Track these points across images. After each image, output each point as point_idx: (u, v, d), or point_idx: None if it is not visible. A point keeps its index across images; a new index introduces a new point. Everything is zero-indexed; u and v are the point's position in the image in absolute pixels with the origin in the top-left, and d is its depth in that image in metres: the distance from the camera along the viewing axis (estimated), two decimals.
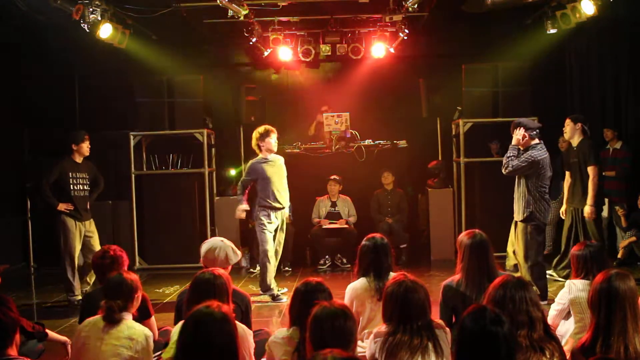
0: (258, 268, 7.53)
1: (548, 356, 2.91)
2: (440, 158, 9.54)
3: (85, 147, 7.04)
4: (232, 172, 9.48)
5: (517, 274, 5.31)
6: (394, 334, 3.12)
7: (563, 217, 7.28)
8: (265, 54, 9.00)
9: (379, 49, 8.98)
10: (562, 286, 4.20)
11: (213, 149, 9.54)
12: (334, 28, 8.87)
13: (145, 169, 9.06)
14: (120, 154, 8.95)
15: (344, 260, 8.62)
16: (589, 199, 6.79)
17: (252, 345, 3.57)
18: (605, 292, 3.07)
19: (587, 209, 6.79)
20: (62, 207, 6.87)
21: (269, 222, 6.79)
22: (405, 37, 8.49)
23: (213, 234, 8.67)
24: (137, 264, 8.86)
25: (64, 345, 4.20)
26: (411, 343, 3.08)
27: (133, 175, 8.93)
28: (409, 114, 9.65)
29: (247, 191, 6.92)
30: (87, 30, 7.36)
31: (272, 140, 6.87)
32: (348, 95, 9.74)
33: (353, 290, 4.30)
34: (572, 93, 9.39)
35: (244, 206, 6.89)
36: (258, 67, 9.68)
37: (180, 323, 3.01)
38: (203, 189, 8.96)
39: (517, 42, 8.85)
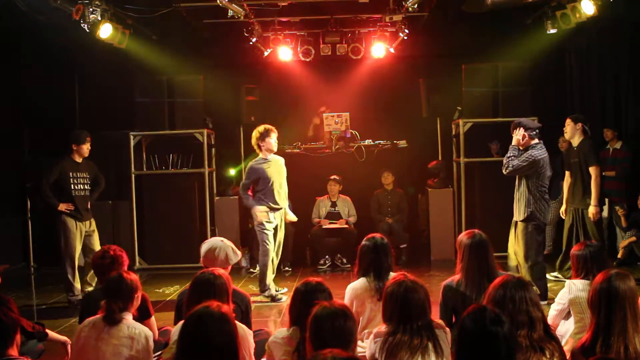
0: (258, 268, 7.52)
1: (548, 356, 2.91)
2: (440, 158, 9.55)
3: (86, 148, 7.03)
4: (232, 172, 9.48)
5: (518, 274, 5.31)
6: (394, 334, 3.12)
7: (563, 217, 7.28)
8: (265, 54, 9.00)
9: (379, 49, 8.98)
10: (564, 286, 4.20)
11: (213, 149, 9.54)
12: (334, 28, 8.86)
13: (145, 169, 9.06)
14: (120, 154, 8.94)
15: (344, 260, 8.62)
16: (593, 200, 6.79)
17: (252, 345, 3.57)
18: (605, 292, 3.07)
19: (592, 210, 6.79)
20: (62, 207, 6.87)
21: (268, 222, 6.78)
22: (405, 37, 8.48)
23: (213, 234, 8.67)
24: (137, 264, 8.86)
25: (64, 345, 4.20)
26: (411, 343, 3.08)
27: (133, 175, 8.94)
28: (409, 114, 9.65)
29: (250, 193, 6.89)
30: (87, 30, 7.35)
31: (272, 140, 6.85)
32: (348, 95, 9.73)
33: (353, 290, 4.30)
34: (572, 93, 9.39)
35: (262, 207, 6.79)
36: (258, 67, 9.68)
37: (180, 323, 3.01)
38: (203, 189, 8.96)
39: (517, 42, 8.85)
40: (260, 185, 6.80)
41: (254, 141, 6.88)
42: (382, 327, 3.22)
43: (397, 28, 8.43)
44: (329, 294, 3.42)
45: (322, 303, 2.88)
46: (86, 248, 7.01)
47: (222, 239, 4.49)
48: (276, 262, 7.08)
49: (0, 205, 9.01)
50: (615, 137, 8.34)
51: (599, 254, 4.11)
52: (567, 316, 4.15)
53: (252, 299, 5.50)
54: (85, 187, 7.10)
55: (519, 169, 6.13)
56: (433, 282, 7.02)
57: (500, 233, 6.89)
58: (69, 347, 4.12)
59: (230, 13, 7.39)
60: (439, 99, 9.31)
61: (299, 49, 8.99)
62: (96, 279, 5.60)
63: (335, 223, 8.74)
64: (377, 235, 4.45)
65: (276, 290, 6.93)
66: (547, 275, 6.77)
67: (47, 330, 4.18)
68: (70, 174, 6.97)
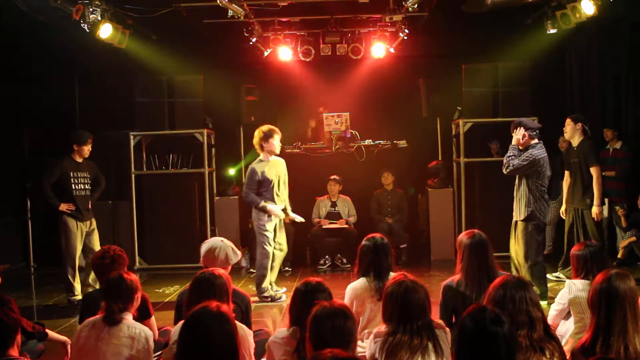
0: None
1: (548, 356, 2.91)
2: (440, 158, 9.55)
3: (87, 149, 7.03)
4: (232, 171, 9.48)
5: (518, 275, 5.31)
6: (394, 334, 3.12)
7: (563, 217, 7.29)
8: (265, 54, 9.00)
9: (379, 49, 8.98)
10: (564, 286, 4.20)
11: (213, 149, 9.54)
12: (334, 28, 8.86)
13: (145, 169, 9.06)
14: (120, 154, 8.94)
15: (344, 260, 8.62)
16: (596, 200, 6.80)
17: (252, 345, 3.57)
18: (605, 292, 3.07)
19: (595, 210, 6.80)
20: (63, 207, 6.86)
21: (268, 222, 6.79)
22: (405, 37, 8.48)
23: (213, 234, 8.67)
24: (137, 264, 8.86)
25: (64, 345, 4.20)
26: (411, 343, 3.08)
27: (133, 175, 8.94)
28: (409, 114, 9.65)
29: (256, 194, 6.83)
30: (87, 30, 7.35)
31: (276, 142, 6.81)
32: (348, 95, 9.73)
33: (353, 290, 4.30)
34: (572, 93, 9.39)
35: (278, 206, 6.80)
36: (258, 67, 9.68)
37: (181, 323, 3.01)
38: (203, 189, 8.96)
39: (517, 42, 8.85)
40: (262, 187, 6.79)
41: (256, 140, 6.84)
42: (382, 327, 3.22)
43: (397, 28, 8.43)
44: (329, 294, 3.42)
45: (322, 303, 2.88)
46: (86, 247, 7.01)
47: (222, 239, 4.49)
48: (280, 262, 7.07)
49: (0, 205, 9.00)
50: (615, 137, 8.34)
51: (599, 254, 4.11)
52: (567, 316, 4.15)
53: (252, 299, 5.51)
54: (86, 187, 7.10)
55: (519, 168, 6.13)
56: (433, 282, 7.02)
57: (500, 233, 6.88)
58: (69, 347, 4.12)
59: (230, 13, 7.38)
60: (439, 99, 9.31)
61: (299, 49, 8.99)
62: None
63: (335, 223, 8.74)
64: (377, 235, 4.45)
65: (275, 290, 6.92)
66: (548, 276, 6.77)
67: (47, 330, 4.18)
68: (71, 173, 6.97)
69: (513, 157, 6.15)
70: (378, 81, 9.67)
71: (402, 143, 9.25)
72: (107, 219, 8.69)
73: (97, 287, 6.70)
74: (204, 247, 4.42)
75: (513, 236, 6.43)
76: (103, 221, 7.86)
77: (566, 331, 4.09)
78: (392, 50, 9.07)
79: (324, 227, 8.70)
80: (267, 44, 8.88)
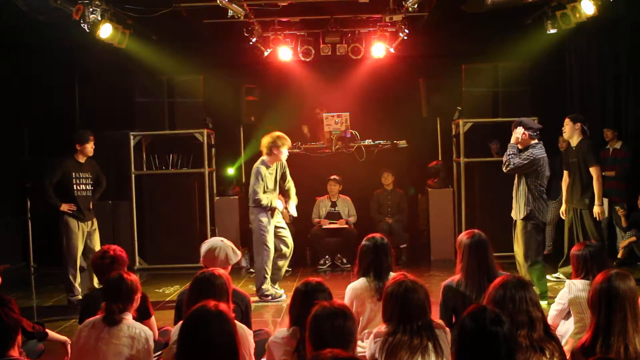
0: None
1: (548, 356, 2.91)
2: (440, 158, 9.55)
3: (90, 147, 7.03)
4: (231, 171, 9.47)
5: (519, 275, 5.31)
6: (394, 334, 3.12)
7: (563, 217, 7.29)
8: (265, 54, 9.00)
9: (379, 49, 8.98)
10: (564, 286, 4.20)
11: (213, 149, 9.54)
12: (334, 28, 8.86)
13: (145, 169, 9.07)
14: (120, 154, 8.94)
15: (344, 260, 8.62)
16: (597, 199, 6.80)
17: (252, 345, 3.57)
18: (605, 292, 3.07)
19: (597, 209, 6.81)
20: (65, 207, 6.85)
21: (267, 221, 6.80)
22: (405, 37, 8.48)
23: (213, 234, 8.67)
24: (137, 264, 8.86)
25: (64, 345, 4.20)
26: (411, 343, 3.07)
27: (133, 175, 8.94)
28: (409, 114, 9.65)
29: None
30: (87, 30, 7.35)
31: (284, 153, 6.91)
32: (348, 95, 9.73)
33: (353, 290, 4.30)
34: (572, 93, 9.38)
35: (286, 204, 6.94)
36: (258, 67, 9.68)
37: (180, 323, 3.01)
38: (203, 189, 8.96)
39: (517, 42, 8.85)
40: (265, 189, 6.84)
41: (266, 143, 6.86)
42: (382, 327, 3.22)
43: (397, 28, 8.43)
44: (329, 294, 3.42)
45: (322, 303, 2.88)
46: (87, 248, 7.01)
47: (222, 239, 4.49)
48: (286, 261, 7.08)
49: (0, 205, 9.00)
50: (615, 137, 8.34)
51: (599, 254, 4.11)
52: (567, 316, 4.15)
53: (252, 299, 5.51)
54: (88, 187, 7.09)
55: (519, 167, 6.14)
56: (433, 282, 7.02)
57: (500, 233, 6.90)
58: (69, 347, 4.12)
59: (230, 13, 7.39)
60: (439, 99, 9.31)
61: (299, 49, 9.00)
62: None
63: (335, 223, 8.74)
64: (377, 235, 4.45)
65: (275, 288, 6.93)
66: (548, 276, 6.77)
67: (47, 330, 4.18)
68: (74, 174, 6.96)
69: (513, 155, 6.15)
70: (378, 81, 9.67)
71: (402, 143, 9.25)
72: (107, 219, 8.69)
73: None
74: (204, 247, 4.42)
75: (514, 236, 6.43)
76: (103, 221, 7.86)
77: (566, 331, 4.09)
78: (392, 50, 9.08)
79: (324, 227, 8.70)
80: (267, 44, 8.88)
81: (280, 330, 3.44)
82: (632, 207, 8.07)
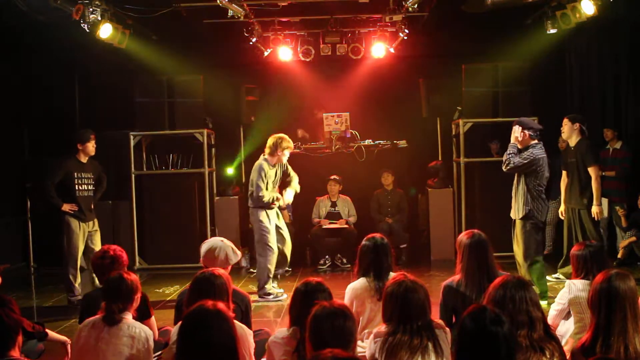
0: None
1: (548, 356, 2.91)
2: (440, 158, 9.55)
3: (91, 146, 7.02)
4: (230, 170, 9.47)
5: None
6: (394, 334, 3.12)
7: (562, 217, 7.29)
8: (265, 54, 9.00)
9: (379, 49, 8.98)
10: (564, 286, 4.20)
11: (213, 149, 9.54)
12: (334, 28, 8.86)
13: (145, 169, 9.07)
14: (120, 154, 8.94)
15: (344, 260, 8.62)
16: (595, 199, 6.80)
17: (252, 345, 3.57)
18: (605, 292, 3.07)
19: (595, 209, 6.81)
20: (66, 207, 6.84)
21: (267, 220, 6.80)
22: (405, 37, 8.48)
23: (213, 234, 8.67)
24: (137, 264, 8.86)
25: (64, 345, 4.20)
26: (411, 343, 3.07)
27: (133, 175, 8.94)
28: (409, 114, 9.65)
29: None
30: (87, 30, 7.35)
31: (287, 155, 6.93)
32: (348, 95, 9.73)
33: (353, 290, 4.30)
34: (572, 93, 9.39)
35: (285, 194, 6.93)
36: (258, 67, 9.68)
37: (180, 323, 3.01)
38: (203, 189, 8.96)
39: (517, 42, 8.85)
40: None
41: (271, 143, 6.86)
42: (382, 327, 3.22)
43: (397, 28, 8.43)
44: (329, 294, 3.42)
45: (322, 303, 2.88)
46: (87, 248, 7.00)
47: (222, 239, 4.49)
48: (289, 248, 7.09)
49: (0, 205, 9.00)
50: (615, 137, 8.34)
51: (599, 254, 4.12)
52: (567, 316, 4.15)
53: (252, 299, 5.51)
54: (89, 187, 7.08)
55: (519, 167, 6.14)
56: (433, 282, 7.02)
57: (500, 233, 6.90)
58: (69, 347, 4.12)
59: (230, 13, 7.39)
60: (439, 99, 9.31)
61: (299, 49, 9.00)
62: None
63: (335, 223, 8.74)
64: (377, 235, 4.45)
65: (273, 286, 6.94)
66: (548, 277, 6.77)
67: (47, 330, 4.18)
68: (75, 174, 6.94)
69: (513, 154, 6.16)
70: (378, 81, 9.67)
71: (402, 143, 9.25)
72: (107, 219, 8.68)
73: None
74: (204, 247, 4.42)
75: (514, 236, 6.44)
76: (103, 221, 7.86)
77: (566, 331, 4.09)
78: (392, 50, 9.08)
79: (324, 227, 8.70)
80: (267, 44, 8.88)
81: (280, 330, 3.44)
82: (632, 207, 8.07)
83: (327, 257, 8.67)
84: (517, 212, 6.26)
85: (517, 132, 6.20)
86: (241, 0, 7.45)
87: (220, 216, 9.08)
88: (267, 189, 6.82)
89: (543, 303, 5.59)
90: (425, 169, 9.41)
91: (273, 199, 6.80)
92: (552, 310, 4.20)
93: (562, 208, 7.28)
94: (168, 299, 7.03)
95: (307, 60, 9.08)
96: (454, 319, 3.98)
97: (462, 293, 3.97)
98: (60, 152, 7.25)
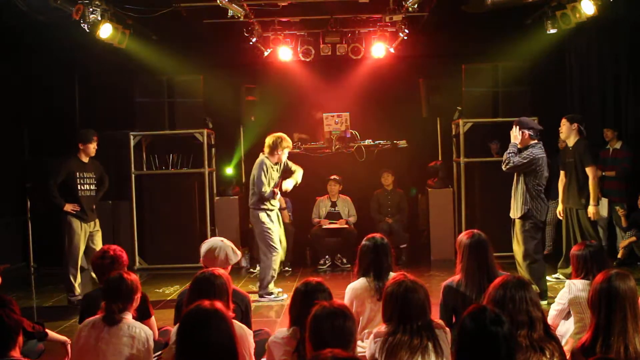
0: (258, 268, 7.51)
1: (548, 356, 2.91)
2: (440, 158, 9.55)
3: (92, 147, 7.02)
4: (229, 170, 9.47)
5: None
6: (394, 334, 3.12)
7: (560, 217, 7.30)
8: (265, 54, 9.00)
9: (379, 49, 8.98)
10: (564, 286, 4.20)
11: (213, 149, 9.54)
12: (334, 28, 8.86)
13: (145, 169, 9.06)
14: (120, 154, 8.94)
15: (344, 260, 8.62)
16: (592, 200, 6.81)
17: (252, 345, 3.57)
18: (605, 292, 3.07)
19: (591, 210, 6.82)
20: (68, 207, 6.83)
21: (270, 222, 6.80)
22: (405, 37, 8.48)
23: (213, 234, 8.67)
24: (137, 264, 8.86)
25: (64, 345, 4.20)
26: (411, 343, 3.08)
27: (133, 175, 8.94)
28: (409, 114, 9.64)
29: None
30: (87, 30, 7.35)
31: (285, 155, 6.92)
32: (348, 95, 9.73)
33: (353, 291, 4.30)
34: (572, 93, 9.38)
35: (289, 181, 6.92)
36: (258, 67, 9.68)
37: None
38: (203, 189, 8.96)
39: (517, 42, 8.85)
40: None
41: (269, 142, 6.85)
42: (382, 327, 3.22)
43: (397, 28, 8.43)
44: (329, 294, 3.42)
45: (322, 303, 2.88)
46: (88, 248, 7.00)
47: (222, 239, 4.49)
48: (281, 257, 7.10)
49: (0, 205, 9.00)
50: (615, 137, 8.34)
51: (599, 254, 4.12)
52: (567, 316, 4.15)
53: (252, 298, 5.50)
54: (91, 187, 7.08)
55: (518, 166, 6.15)
56: (433, 282, 7.02)
57: (500, 233, 6.90)
58: (69, 347, 4.12)
59: (230, 13, 7.39)
60: (439, 99, 9.31)
61: (299, 49, 9.00)
62: None
63: (335, 223, 8.73)
64: (377, 235, 4.45)
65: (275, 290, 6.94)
66: (548, 277, 6.78)
67: (47, 330, 4.18)
68: (77, 174, 6.94)
69: (512, 154, 6.17)
70: (378, 81, 9.67)
71: (402, 143, 9.25)
72: (107, 219, 8.68)
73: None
74: (204, 247, 4.42)
75: (514, 236, 6.44)
76: (103, 221, 7.86)
77: (566, 331, 4.09)
78: (392, 50, 9.08)
79: (324, 227, 8.70)
80: (267, 44, 8.88)
81: (280, 330, 3.44)
82: (632, 207, 8.07)
83: (327, 257, 8.67)
84: (516, 211, 6.27)
85: (515, 131, 6.22)
86: (241, 0, 7.45)
87: (220, 216, 9.08)
88: (269, 185, 6.81)
89: (543, 303, 5.59)
90: (425, 169, 9.41)
91: (273, 193, 6.78)
92: (552, 310, 4.20)
93: (559, 208, 7.29)
94: (168, 299, 7.03)
95: (307, 60, 9.08)
96: (454, 319, 3.99)
97: (462, 293, 3.97)
98: (60, 152, 7.25)
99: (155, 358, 3.82)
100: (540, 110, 8.66)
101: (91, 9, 7.22)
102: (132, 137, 8.84)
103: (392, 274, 4.10)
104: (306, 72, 9.64)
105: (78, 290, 6.88)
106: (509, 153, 6.19)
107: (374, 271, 4.28)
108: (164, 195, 8.96)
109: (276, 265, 6.82)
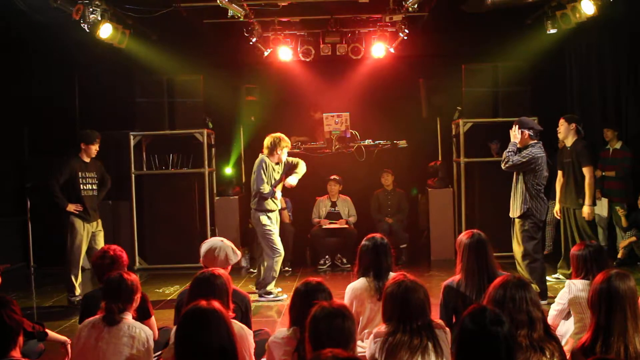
0: (262, 270, 7.48)
1: (548, 356, 2.91)
2: (440, 158, 9.55)
3: (94, 149, 7.01)
4: (229, 170, 9.47)
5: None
6: (394, 334, 3.12)
7: (558, 217, 7.30)
8: (265, 54, 9.00)
9: (379, 49, 8.98)
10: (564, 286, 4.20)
11: (213, 149, 9.54)
12: (334, 28, 8.86)
13: (145, 169, 9.06)
14: (120, 154, 8.93)
15: (344, 260, 8.62)
16: (587, 200, 6.81)
17: (252, 345, 3.58)
18: (605, 292, 3.07)
19: (586, 210, 6.81)
20: (71, 207, 6.82)
21: (270, 222, 6.80)
22: (405, 37, 8.48)
23: (213, 234, 8.67)
24: (137, 264, 8.86)
25: (64, 345, 4.20)
26: (411, 343, 3.08)
27: (133, 175, 8.94)
28: (409, 114, 9.65)
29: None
30: (87, 30, 7.35)
31: (285, 155, 6.91)
32: (348, 95, 9.74)
33: (353, 291, 4.30)
34: (572, 93, 9.39)
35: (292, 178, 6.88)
36: (258, 67, 9.68)
37: None
38: (203, 189, 8.96)
39: (517, 42, 8.85)
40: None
41: (268, 143, 6.84)
42: (382, 327, 3.22)
43: (397, 28, 8.43)
44: (329, 294, 3.42)
45: (321, 303, 2.88)
46: (90, 248, 6.99)
47: (222, 239, 4.49)
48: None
49: (0, 205, 9.00)
50: (615, 137, 8.33)
51: (599, 254, 4.12)
52: (567, 316, 4.15)
53: (252, 298, 5.51)
54: (93, 187, 7.07)
55: (518, 165, 6.15)
56: (433, 282, 7.01)
57: (500, 233, 6.91)
58: (69, 347, 4.12)
59: (230, 13, 7.39)
60: (439, 99, 9.31)
61: (299, 49, 9.00)
62: None
63: (335, 223, 8.73)
64: (377, 235, 4.45)
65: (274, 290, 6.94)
66: (548, 277, 6.78)
67: (47, 330, 4.19)
68: (80, 173, 6.93)
69: (512, 153, 6.18)
70: (378, 81, 9.67)
71: (402, 143, 9.25)
72: (107, 219, 8.67)
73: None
74: (204, 247, 4.42)
75: (514, 236, 6.44)
76: (103, 221, 7.85)
77: (566, 331, 4.10)
78: (392, 50, 9.08)
79: (324, 227, 8.70)
80: (267, 44, 8.88)
81: (280, 330, 3.44)
82: (632, 207, 8.07)
83: (327, 257, 8.66)
84: (515, 210, 6.27)
85: (515, 130, 6.22)
86: (241, 0, 7.45)
87: (220, 216, 9.07)
88: (268, 184, 6.81)
89: (543, 303, 5.59)
90: (425, 169, 9.41)
91: (273, 192, 6.77)
92: (552, 310, 4.20)
93: (556, 207, 7.30)
94: (168, 299, 7.03)
95: (307, 60, 9.08)
96: (454, 319, 3.99)
97: (462, 293, 3.97)
98: (60, 152, 7.24)
99: (155, 358, 3.82)
100: (540, 110, 8.66)
101: (91, 9, 7.22)
102: (132, 137, 8.84)
103: (392, 274, 4.10)
104: (306, 72, 9.65)
105: (78, 290, 6.87)
106: (509, 152, 6.20)
107: (374, 271, 4.28)
108: (164, 195, 8.96)
109: (277, 267, 6.82)
